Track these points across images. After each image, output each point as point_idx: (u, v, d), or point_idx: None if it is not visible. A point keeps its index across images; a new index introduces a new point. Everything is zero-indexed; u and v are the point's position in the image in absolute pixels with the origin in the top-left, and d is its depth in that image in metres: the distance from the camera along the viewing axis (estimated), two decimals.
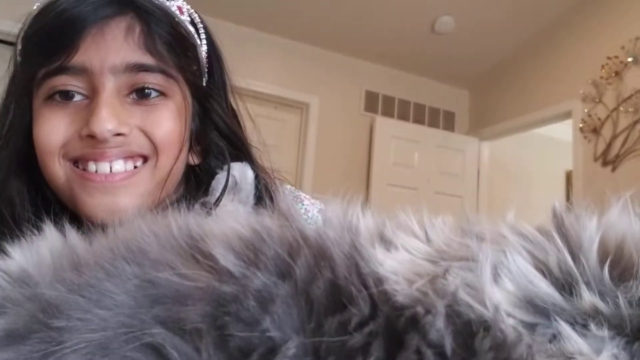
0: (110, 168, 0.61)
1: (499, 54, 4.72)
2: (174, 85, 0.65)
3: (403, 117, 4.93)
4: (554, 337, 0.24)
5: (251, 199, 0.63)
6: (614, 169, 3.61)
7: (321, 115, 4.46)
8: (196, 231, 0.30)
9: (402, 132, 4.74)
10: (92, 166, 0.61)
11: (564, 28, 4.20)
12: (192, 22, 0.69)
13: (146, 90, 0.63)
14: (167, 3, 0.65)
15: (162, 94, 0.64)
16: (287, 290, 0.26)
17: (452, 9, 4.19)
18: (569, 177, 5.30)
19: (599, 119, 3.76)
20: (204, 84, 0.70)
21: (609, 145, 3.66)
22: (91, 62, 0.60)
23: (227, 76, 0.75)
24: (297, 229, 0.28)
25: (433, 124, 5.08)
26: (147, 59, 0.62)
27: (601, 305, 0.23)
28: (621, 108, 3.61)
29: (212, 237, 0.28)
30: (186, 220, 0.32)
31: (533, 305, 0.24)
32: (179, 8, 0.67)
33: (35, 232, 0.37)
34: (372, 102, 4.78)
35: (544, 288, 0.24)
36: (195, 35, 0.69)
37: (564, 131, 4.44)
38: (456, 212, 0.34)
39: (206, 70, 0.71)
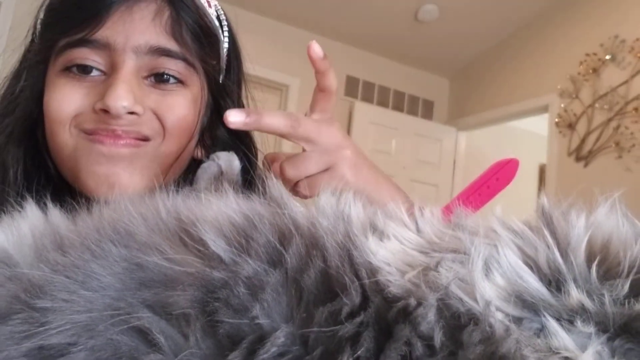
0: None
1: (480, 45, 4.76)
2: (193, 75, 0.64)
3: (382, 103, 4.94)
4: (539, 332, 0.24)
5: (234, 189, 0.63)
6: (586, 165, 3.68)
7: (301, 97, 4.43)
8: (186, 215, 0.29)
9: (381, 119, 4.75)
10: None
11: (545, 23, 4.24)
12: (218, 17, 0.69)
13: (165, 76, 0.62)
14: None
15: (180, 81, 0.63)
16: (278, 278, 0.26)
17: None
18: (542, 170, 5.38)
19: (575, 114, 3.82)
20: (221, 80, 0.70)
21: (582, 141, 3.72)
22: (115, 38, 0.59)
23: (243, 75, 0.75)
24: (289, 217, 0.28)
25: (412, 111, 5.10)
26: (172, 45, 0.61)
27: (587, 302, 0.24)
28: (597, 105, 3.68)
29: (203, 221, 0.28)
30: (175, 204, 0.31)
31: (522, 300, 0.24)
32: (207, 1, 0.67)
33: (19, 206, 0.36)
34: (352, 87, 4.78)
35: (533, 283, 0.24)
36: (220, 31, 0.69)
37: (539, 125, 4.51)
38: (431, 201, 0.34)
39: (225, 66, 0.71)
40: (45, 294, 0.27)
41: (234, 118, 0.56)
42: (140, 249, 0.28)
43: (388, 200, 0.59)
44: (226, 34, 0.71)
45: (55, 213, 0.35)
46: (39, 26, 0.66)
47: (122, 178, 0.60)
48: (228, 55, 0.72)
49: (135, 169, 0.61)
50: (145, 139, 0.62)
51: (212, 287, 0.26)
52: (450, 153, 5.02)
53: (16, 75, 0.67)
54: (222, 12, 0.71)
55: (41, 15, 0.65)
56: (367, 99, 4.84)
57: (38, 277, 0.28)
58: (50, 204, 0.36)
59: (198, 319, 0.26)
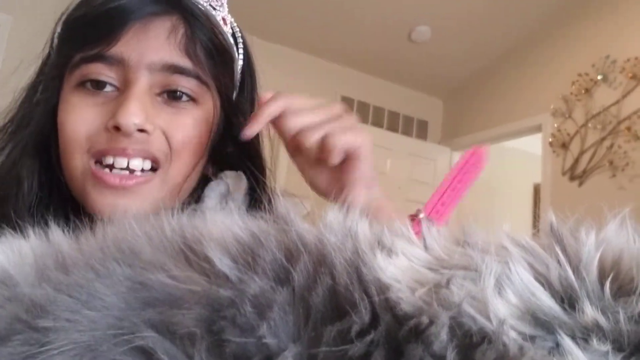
0: (128, 164, 0.60)
1: (473, 65, 4.80)
2: (206, 93, 0.64)
3: (377, 123, 4.97)
4: (553, 350, 0.24)
5: (243, 209, 0.62)
6: (580, 184, 3.70)
7: None
8: (191, 233, 0.29)
9: (376, 139, 4.72)
10: (109, 159, 0.60)
11: (537, 43, 4.30)
12: (233, 35, 0.70)
13: (178, 93, 0.62)
14: (213, 12, 0.65)
15: (192, 99, 0.63)
16: (285, 296, 0.25)
17: (429, 19, 4.25)
18: (536, 190, 5.40)
19: (568, 134, 3.86)
20: (234, 97, 0.71)
21: (576, 161, 3.75)
22: (130, 54, 0.59)
23: (256, 93, 0.75)
24: (296, 234, 0.27)
25: (406, 132, 5.13)
26: (185, 62, 0.61)
27: (602, 320, 0.23)
28: (589, 124, 3.71)
29: (209, 239, 0.28)
30: (180, 222, 0.31)
31: (535, 318, 0.24)
32: (224, 19, 0.67)
33: (35, 219, 0.35)
34: (347, 108, 4.81)
35: (546, 301, 0.24)
36: (234, 49, 0.69)
37: (533, 145, 4.54)
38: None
39: (238, 84, 0.71)
40: (48, 314, 0.26)
41: (248, 131, 0.57)
42: (145, 268, 0.28)
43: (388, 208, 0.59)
44: (241, 51, 0.71)
45: (57, 232, 0.34)
46: (55, 40, 0.66)
47: (130, 207, 0.60)
48: (242, 72, 0.72)
49: (145, 199, 0.61)
50: (155, 160, 0.61)
51: (218, 305, 0.26)
52: (445, 172, 5.02)
53: (32, 87, 0.67)
54: (237, 30, 0.71)
55: (58, 29, 0.66)
56: (362, 119, 4.87)
57: (40, 297, 0.27)
58: (52, 223, 0.35)
59: (204, 338, 0.25)
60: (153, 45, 0.60)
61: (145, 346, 0.25)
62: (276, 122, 0.59)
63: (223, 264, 0.27)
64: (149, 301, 0.27)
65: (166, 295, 0.27)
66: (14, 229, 0.36)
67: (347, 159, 0.58)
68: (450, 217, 0.54)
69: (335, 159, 0.56)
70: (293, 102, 0.58)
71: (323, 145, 0.56)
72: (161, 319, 0.26)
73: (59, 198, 0.64)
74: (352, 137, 0.56)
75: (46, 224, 0.35)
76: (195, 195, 0.66)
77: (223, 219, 0.30)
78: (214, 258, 0.26)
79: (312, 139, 0.56)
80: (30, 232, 0.35)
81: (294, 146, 0.58)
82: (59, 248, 0.32)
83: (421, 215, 0.53)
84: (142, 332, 0.26)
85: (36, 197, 0.63)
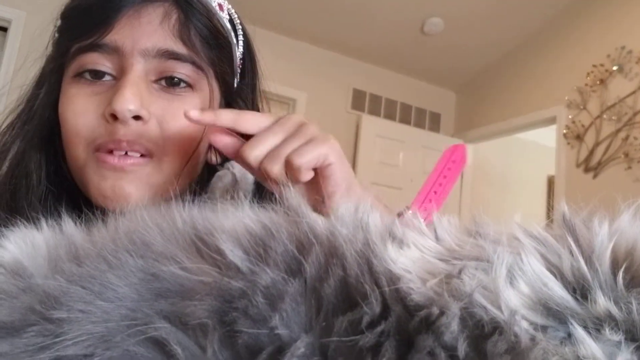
0: (126, 153, 0.61)
1: (486, 57, 4.76)
2: (202, 79, 0.64)
3: (389, 116, 4.95)
4: (565, 340, 0.24)
5: (249, 199, 0.62)
6: (595, 176, 3.66)
7: (308, 111, 4.45)
8: (202, 225, 0.29)
9: (388, 132, 4.76)
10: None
11: (551, 34, 4.25)
12: (231, 21, 0.69)
13: (175, 79, 0.62)
14: None
15: (189, 85, 0.63)
16: (297, 287, 0.26)
17: (442, 10, 4.21)
18: (550, 182, 5.36)
19: (583, 125, 3.82)
20: (235, 84, 0.70)
21: (591, 152, 3.71)
22: (123, 41, 0.60)
23: (258, 81, 0.74)
24: (308, 226, 0.27)
25: (419, 124, 5.11)
26: (179, 47, 0.61)
27: (615, 310, 0.23)
28: (604, 116, 3.67)
29: (220, 231, 0.28)
30: (191, 214, 0.31)
31: (547, 308, 0.24)
32: (220, 5, 0.67)
33: (48, 212, 0.36)
34: (359, 101, 4.79)
35: (558, 291, 0.24)
36: (232, 34, 0.68)
37: (547, 137, 4.50)
38: (438, 213, 0.34)
39: (239, 71, 0.71)
40: (61, 305, 0.27)
41: (193, 115, 0.55)
42: (157, 259, 0.28)
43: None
44: (241, 37, 0.71)
45: (69, 224, 0.35)
46: (56, 34, 0.67)
47: (127, 190, 0.60)
48: (243, 59, 0.71)
49: (142, 182, 0.61)
50: (149, 154, 0.62)
51: (229, 297, 0.26)
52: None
53: (37, 83, 0.68)
54: (235, 17, 0.71)
55: (58, 23, 0.66)
56: (374, 112, 4.85)
57: (53, 288, 0.28)
58: (64, 215, 0.36)
59: (216, 329, 0.25)
60: (146, 31, 0.60)
61: (159, 337, 0.26)
62: (237, 157, 0.56)
63: (235, 255, 0.27)
64: (161, 292, 0.27)
65: (178, 287, 0.27)
66: (27, 221, 0.36)
67: (319, 172, 0.55)
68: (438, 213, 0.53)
69: (304, 178, 0.53)
70: (242, 118, 0.55)
71: (287, 168, 0.53)
72: (173, 310, 0.26)
73: (69, 191, 0.65)
74: (315, 151, 0.52)
75: (59, 216, 0.36)
76: (203, 185, 0.66)
77: (234, 211, 0.31)
78: (225, 250, 0.27)
79: (275, 169, 0.52)
80: (43, 223, 0.35)
81: (261, 175, 0.55)
82: (71, 239, 0.32)
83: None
84: (155, 323, 0.26)
85: (46, 190, 0.64)
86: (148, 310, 0.26)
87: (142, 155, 0.62)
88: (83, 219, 0.36)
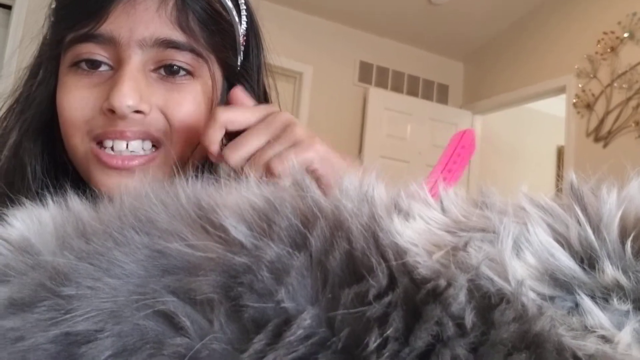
0: (127, 145, 0.59)
1: (494, 27, 4.69)
2: (203, 66, 0.62)
3: (397, 88, 4.91)
4: (573, 310, 0.23)
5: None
6: (605, 145, 3.63)
7: (314, 84, 4.42)
8: (206, 201, 0.29)
9: (396, 104, 4.72)
10: (108, 142, 0.59)
11: (561, 2, 4.17)
12: None
13: (174, 67, 0.61)
14: None
15: (190, 73, 0.62)
16: (302, 261, 0.26)
17: None
18: (560, 152, 5.32)
19: (593, 94, 3.77)
20: (239, 64, 0.68)
21: (601, 121, 3.67)
22: (119, 32, 0.58)
23: (263, 56, 0.72)
24: (312, 200, 0.27)
25: (426, 96, 5.06)
26: (178, 35, 0.60)
27: (623, 279, 0.23)
28: (615, 84, 3.62)
29: (224, 207, 0.28)
30: (195, 190, 0.31)
31: (554, 278, 0.23)
32: None
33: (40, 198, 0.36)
34: (366, 73, 4.75)
35: (565, 261, 0.24)
36: (235, 12, 0.66)
37: (557, 106, 4.45)
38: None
39: (242, 49, 0.68)
40: (71, 282, 0.27)
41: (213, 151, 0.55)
42: (162, 236, 0.28)
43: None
44: (244, 13, 0.68)
45: (76, 201, 0.35)
46: (51, 16, 0.65)
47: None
48: (246, 36, 0.69)
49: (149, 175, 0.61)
50: (155, 140, 0.61)
51: (234, 272, 0.26)
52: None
53: (33, 68, 0.67)
54: None
55: (53, 4, 0.65)
56: (382, 84, 4.81)
57: (63, 265, 0.28)
58: (71, 193, 0.36)
59: (222, 303, 0.25)
60: (143, 20, 0.58)
61: (167, 310, 0.26)
62: (220, 159, 0.55)
63: (238, 231, 0.27)
64: (167, 268, 0.27)
65: (184, 263, 0.27)
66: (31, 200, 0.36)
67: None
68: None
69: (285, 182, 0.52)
70: (232, 116, 0.54)
71: (268, 174, 0.51)
72: (180, 286, 0.26)
73: (66, 182, 0.64)
74: (298, 157, 0.51)
75: (64, 193, 0.36)
76: (208, 166, 0.65)
77: (238, 187, 0.30)
78: (228, 226, 0.27)
79: (257, 173, 0.52)
80: (49, 200, 0.35)
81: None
82: (78, 216, 0.32)
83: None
84: (163, 297, 0.26)
85: (42, 183, 0.62)
86: (155, 286, 0.26)
87: (144, 149, 0.61)
88: (87, 198, 0.36)
